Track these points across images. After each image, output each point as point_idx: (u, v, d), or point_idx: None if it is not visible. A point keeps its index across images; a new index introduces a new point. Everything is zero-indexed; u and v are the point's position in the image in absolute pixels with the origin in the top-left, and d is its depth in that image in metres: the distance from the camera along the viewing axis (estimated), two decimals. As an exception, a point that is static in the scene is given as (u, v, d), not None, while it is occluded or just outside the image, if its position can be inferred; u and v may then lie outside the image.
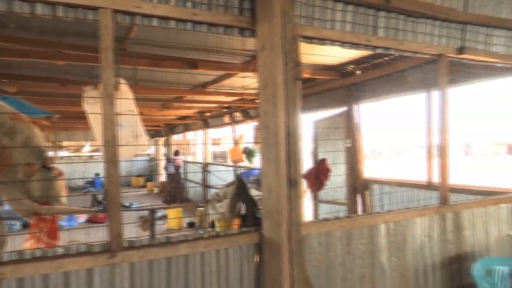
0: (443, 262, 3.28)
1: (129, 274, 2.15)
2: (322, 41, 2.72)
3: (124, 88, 2.76)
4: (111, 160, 2.05)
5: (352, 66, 6.10)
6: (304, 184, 4.21)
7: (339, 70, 6.30)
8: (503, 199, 3.72)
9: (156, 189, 17.60)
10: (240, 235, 2.40)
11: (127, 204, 11.73)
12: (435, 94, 5.09)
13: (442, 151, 3.27)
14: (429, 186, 5.11)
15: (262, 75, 2.24)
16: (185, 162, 14.43)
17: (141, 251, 2.15)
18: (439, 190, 3.30)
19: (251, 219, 2.65)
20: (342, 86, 6.35)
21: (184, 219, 8.84)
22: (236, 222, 3.29)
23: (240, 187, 3.07)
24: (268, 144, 2.22)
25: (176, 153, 13.80)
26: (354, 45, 2.84)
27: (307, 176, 4.40)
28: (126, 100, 2.56)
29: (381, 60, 5.41)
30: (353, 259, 2.83)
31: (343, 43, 2.79)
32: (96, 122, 2.64)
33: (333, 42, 2.74)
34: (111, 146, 2.06)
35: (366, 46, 2.89)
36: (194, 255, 2.30)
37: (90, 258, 2.06)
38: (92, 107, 2.68)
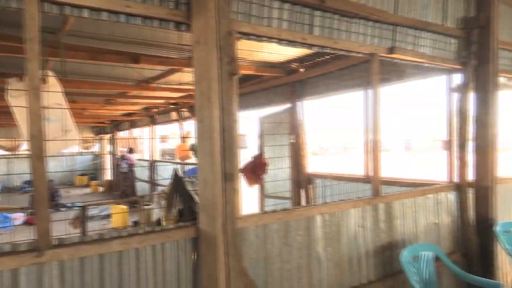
0: (376, 250, 3.48)
1: (59, 273, 2.08)
2: (259, 37, 2.77)
3: (52, 81, 2.65)
4: (37, 155, 1.97)
5: (296, 64, 6.25)
6: (241, 178, 4.27)
7: (283, 67, 6.44)
8: (430, 190, 4.00)
9: (101, 188, 16.98)
10: (176, 230, 2.40)
11: (69, 205, 11.23)
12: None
13: (374, 147, 3.46)
14: (366, 179, 5.36)
15: (197, 70, 2.25)
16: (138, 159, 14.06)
17: (71, 248, 2.08)
18: (372, 183, 3.49)
19: (189, 213, 2.65)
20: (286, 83, 6.49)
21: (129, 217, 8.61)
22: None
23: (176, 182, 3.05)
24: (203, 139, 2.23)
25: (130, 150, 13.42)
26: (291, 43, 2.92)
27: (244, 170, 4.46)
28: (54, 93, 2.46)
29: (323, 58, 5.60)
30: (290, 250, 2.92)
31: (280, 40, 2.85)
32: (21, 116, 2.52)
33: (270, 39, 2.80)
34: (37, 140, 1.98)
35: (302, 44, 2.98)
36: (129, 251, 2.27)
37: (15, 257, 1.97)
38: (16, 100, 2.55)
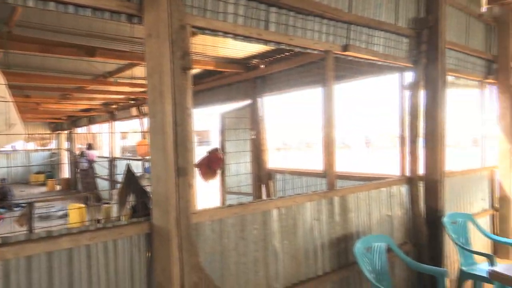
0: (331, 242, 3.57)
1: (2, 273, 2.00)
2: (214, 32, 2.77)
3: (-5, 73, 2.53)
4: (-22, 150, 1.88)
5: (256, 60, 6.29)
6: (196, 173, 4.26)
7: (244, 63, 6.46)
8: (383, 184, 4.16)
9: (59, 186, 16.39)
10: (129, 226, 2.36)
11: (23, 204, 10.75)
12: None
13: (329, 142, 3.54)
14: (325, 174, 5.49)
15: (149, 63, 2.22)
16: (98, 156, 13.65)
17: (16, 247, 2.01)
18: (327, 177, 3.58)
19: (142, 209, 2.62)
20: (247, 80, 6.52)
21: (87, 216, 8.37)
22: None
23: (129, 178, 3.01)
24: (156, 133, 2.21)
25: (89, 147, 13.00)
26: (246, 38, 2.94)
27: (199, 165, 4.45)
28: (-4, 86, 2.35)
29: (283, 55, 5.67)
30: (246, 244, 2.94)
31: (235, 36, 2.86)
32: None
33: (225, 34, 2.81)
34: (-23, 135, 1.89)
35: (258, 40, 3.01)
36: (79, 249, 2.21)
37: (-47, 258, 1.88)
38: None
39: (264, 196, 6.42)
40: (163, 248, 2.31)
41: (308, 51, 3.43)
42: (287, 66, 5.74)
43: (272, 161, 6.59)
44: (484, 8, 5.71)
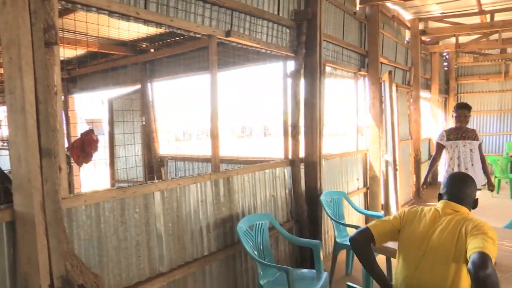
0: (217, 222, 3.67)
1: None
2: (87, 7, 2.62)
3: None
4: None
5: (146, 43, 6.10)
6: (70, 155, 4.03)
7: (133, 46, 6.22)
8: (267, 166, 4.39)
9: None
10: (-14, 214, 2.14)
11: None
12: (222, 75, 5.57)
13: (213, 126, 3.62)
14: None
15: (5, 34, 2.02)
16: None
17: None
18: (212, 160, 3.66)
19: (4, 195, 2.39)
20: (136, 63, 6.29)
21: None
22: None
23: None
24: (15, 111, 2.03)
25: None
26: (124, 16, 2.84)
27: (71, 147, 4.21)
28: None
29: (173, 39, 5.58)
30: (127, 228, 2.88)
31: (111, 12, 2.75)
32: None
33: (98, 10, 2.68)
34: None
35: (136, 19, 2.92)
36: None
37: None
38: None
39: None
40: (28, 236, 2.15)
41: (191, 34, 3.44)
42: (177, 51, 5.68)
43: (165, 147, 6.49)
44: (358, 7, 6.32)
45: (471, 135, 4.86)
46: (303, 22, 4.56)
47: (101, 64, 6.71)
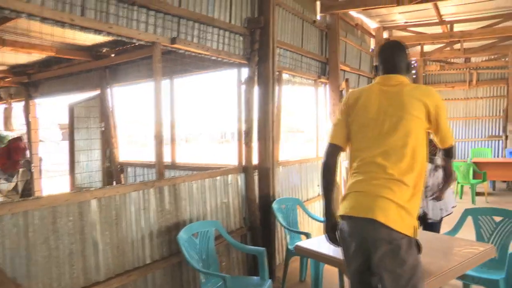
0: (161, 230, 3.64)
1: None
2: (17, 13, 2.60)
3: None
4: None
5: (106, 48, 6.05)
6: None
7: (93, 51, 6.15)
8: (218, 172, 4.39)
9: None
10: None
11: None
12: (175, 81, 5.57)
13: (158, 132, 3.60)
14: (173, 166, 5.58)
15: None
16: None
17: None
18: (156, 167, 3.64)
19: None
20: (96, 69, 6.23)
21: None
22: None
23: None
24: None
25: None
26: (58, 23, 2.82)
27: None
28: None
29: (132, 45, 5.55)
30: (59, 237, 2.83)
31: (43, 19, 2.73)
32: None
33: (30, 16, 2.65)
34: None
35: (72, 26, 2.90)
36: None
37: None
38: None
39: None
40: None
41: (134, 41, 3.43)
42: (135, 56, 5.64)
43: (125, 154, 6.43)
44: (318, 16, 6.43)
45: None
46: (256, 30, 4.60)
47: (61, 69, 6.63)
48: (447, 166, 2.57)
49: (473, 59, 12.00)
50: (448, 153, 2.49)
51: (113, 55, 6.10)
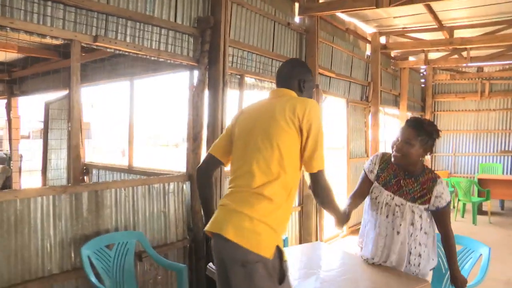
0: (76, 239, 3.41)
1: None
2: None
3: None
4: None
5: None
6: None
7: (63, 50, 6.07)
8: (155, 179, 4.15)
9: None
10: None
11: None
12: (137, 82, 5.39)
13: (73, 134, 3.41)
14: (130, 169, 5.39)
15: None
16: None
17: None
18: (71, 170, 3.44)
19: None
20: (66, 67, 6.14)
21: None
22: None
23: None
24: None
25: None
26: None
27: None
28: None
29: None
30: None
31: None
32: None
33: None
34: None
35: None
36: None
37: None
38: None
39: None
40: None
41: (48, 38, 3.25)
42: (100, 56, 5.52)
43: (90, 155, 6.31)
44: (296, 19, 6.10)
45: (420, 188, 2.45)
46: (207, 30, 4.35)
47: (36, 67, 6.62)
48: (315, 196, 2.13)
49: (486, 69, 11.27)
50: (313, 181, 2.07)
51: (83, 54, 6.00)
